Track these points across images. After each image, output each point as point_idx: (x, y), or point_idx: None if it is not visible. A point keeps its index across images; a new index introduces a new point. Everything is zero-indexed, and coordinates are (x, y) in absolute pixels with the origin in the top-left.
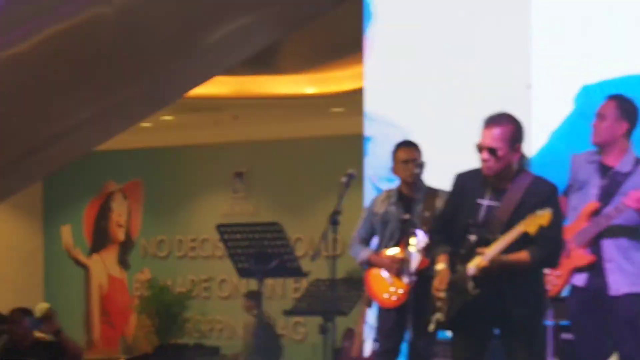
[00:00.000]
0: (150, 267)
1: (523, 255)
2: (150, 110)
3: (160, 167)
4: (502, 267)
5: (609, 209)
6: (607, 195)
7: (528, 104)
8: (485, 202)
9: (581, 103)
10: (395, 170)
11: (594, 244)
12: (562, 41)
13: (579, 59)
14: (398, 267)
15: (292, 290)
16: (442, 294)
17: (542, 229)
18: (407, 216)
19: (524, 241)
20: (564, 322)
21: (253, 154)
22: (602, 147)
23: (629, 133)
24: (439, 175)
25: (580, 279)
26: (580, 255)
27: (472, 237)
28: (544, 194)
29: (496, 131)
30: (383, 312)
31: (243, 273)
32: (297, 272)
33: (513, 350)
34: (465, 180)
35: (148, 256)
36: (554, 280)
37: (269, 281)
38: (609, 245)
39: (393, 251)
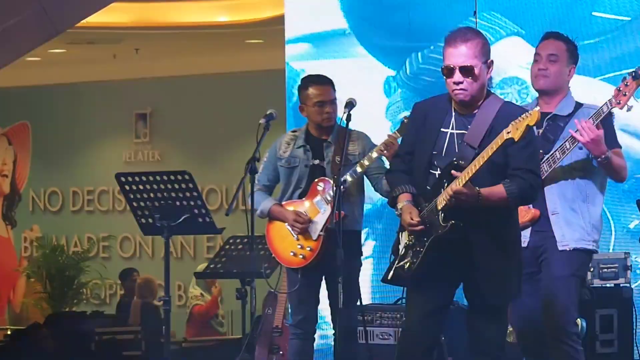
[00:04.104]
0: (41, 223)
1: (499, 188)
2: (37, 42)
3: (51, 108)
4: (475, 199)
5: (552, 153)
6: (547, 142)
7: None
8: (449, 130)
9: None
10: (305, 111)
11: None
12: None
13: None
14: (305, 220)
15: (205, 250)
16: (417, 229)
17: (515, 163)
18: (316, 162)
19: (495, 180)
20: None
21: (158, 93)
22: (548, 93)
23: None
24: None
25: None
26: (522, 212)
27: (437, 173)
28: (517, 118)
29: (465, 47)
30: (290, 274)
31: (147, 229)
32: (210, 228)
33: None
34: (425, 108)
35: (38, 211)
36: None
37: (178, 239)
38: (553, 196)
39: (299, 202)
